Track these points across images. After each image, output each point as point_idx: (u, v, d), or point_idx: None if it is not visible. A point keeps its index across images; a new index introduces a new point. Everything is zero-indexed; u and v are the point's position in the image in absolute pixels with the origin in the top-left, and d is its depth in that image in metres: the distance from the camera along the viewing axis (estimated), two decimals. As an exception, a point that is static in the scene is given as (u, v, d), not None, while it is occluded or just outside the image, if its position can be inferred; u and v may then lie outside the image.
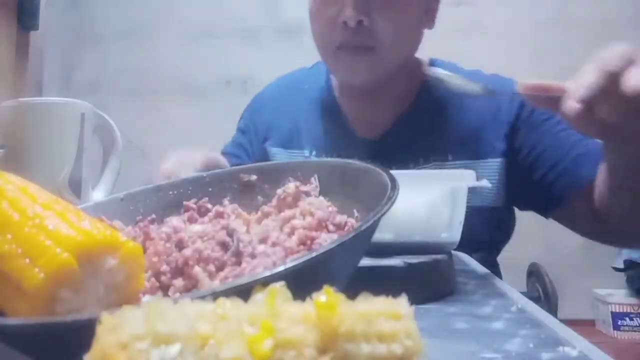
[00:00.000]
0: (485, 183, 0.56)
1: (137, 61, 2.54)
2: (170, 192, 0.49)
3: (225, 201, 0.48)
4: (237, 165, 0.96)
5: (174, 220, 0.44)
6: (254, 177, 0.49)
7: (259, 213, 0.45)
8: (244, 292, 0.21)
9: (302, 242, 0.38)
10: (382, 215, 0.34)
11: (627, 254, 2.03)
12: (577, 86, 0.52)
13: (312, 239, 0.38)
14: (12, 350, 0.29)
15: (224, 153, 1.00)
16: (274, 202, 0.45)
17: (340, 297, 0.19)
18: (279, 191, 0.45)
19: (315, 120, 0.97)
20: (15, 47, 1.91)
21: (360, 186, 0.43)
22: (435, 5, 0.91)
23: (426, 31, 0.92)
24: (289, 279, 0.22)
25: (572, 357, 0.34)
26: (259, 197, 0.49)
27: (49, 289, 0.29)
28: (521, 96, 0.84)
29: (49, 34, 2.18)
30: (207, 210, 0.46)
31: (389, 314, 0.19)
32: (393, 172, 0.45)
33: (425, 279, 0.49)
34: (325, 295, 0.19)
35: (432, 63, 0.96)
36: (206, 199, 0.48)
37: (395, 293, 0.20)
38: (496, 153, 0.87)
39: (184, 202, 0.48)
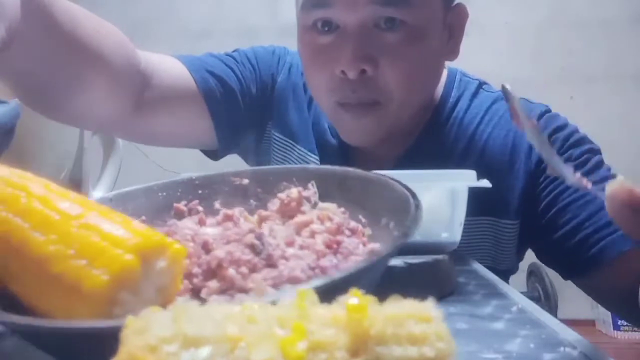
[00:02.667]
0: (485, 183, 0.55)
1: (137, 61, 2.54)
2: (160, 194, 0.49)
3: (217, 204, 0.48)
4: (220, 73, 0.79)
5: (188, 222, 0.44)
6: (245, 181, 0.49)
7: (256, 217, 0.45)
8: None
9: (328, 246, 0.39)
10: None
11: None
12: None
13: (338, 243, 0.39)
14: (33, 350, 0.29)
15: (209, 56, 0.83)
16: (276, 206, 0.45)
17: (370, 300, 0.19)
18: (282, 196, 0.45)
19: (322, 137, 0.80)
20: (15, 47, 1.90)
21: (364, 193, 0.44)
22: (458, 32, 0.73)
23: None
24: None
25: (573, 357, 0.34)
26: (251, 201, 0.49)
27: (111, 291, 0.28)
28: (548, 133, 0.69)
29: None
30: (198, 213, 0.46)
31: (419, 316, 0.19)
32: (394, 171, 0.45)
33: (425, 279, 0.49)
34: (356, 298, 0.19)
35: (451, 78, 0.80)
36: (196, 201, 0.48)
37: (395, 293, 0.20)
38: (510, 215, 0.73)
39: (174, 204, 0.48)
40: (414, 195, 0.38)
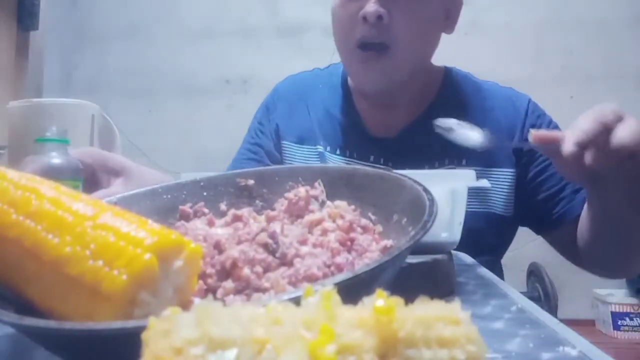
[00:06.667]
0: (485, 183, 0.56)
1: (137, 61, 2.54)
2: (165, 196, 0.48)
3: (222, 205, 0.48)
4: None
5: (197, 223, 0.44)
6: (251, 182, 0.49)
7: (263, 217, 0.45)
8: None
9: (342, 243, 0.39)
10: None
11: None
12: (575, 131, 0.59)
13: (352, 240, 0.39)
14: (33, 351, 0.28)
15: (236, 164, 1.00)
16: (284, 206, 0.45)
17: (398, 301, 0.18)
18: (290, 195, 0.45)
19: (329, 118, 0.98)
20: (15, 47, 1.91)
21: (373, 190, 0.44)
22: (456, 11, 0.93)
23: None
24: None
25: (572, 357, 0.34)
26: (257, 202, 0.49)
27: (132, 291, 0.27)
28: (533, 119, 0.92)
29: (49, 34, 2.18)
30: (203, 214, 0.46)
31: (448, 318, 0.18)
32: (395, 172, 0.45)
33: (425, 279, 0.49)
34: (382, 300, 0.18)
35: (448, 71, 0.98)
36: (202, 203, 0.48)
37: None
38: (509, 163, 0.90)
39: (180, 207, 0.47)
40: (426, 189, 0.38)
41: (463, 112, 0.91)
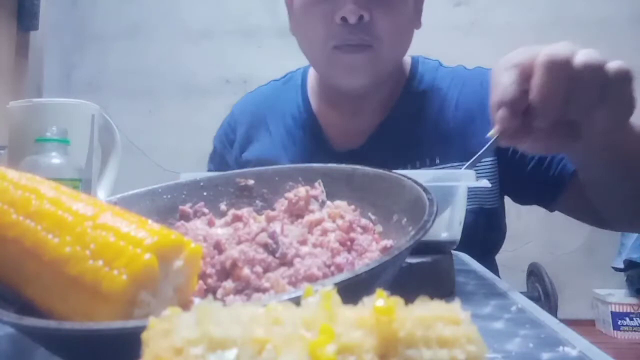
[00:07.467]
0: (485, 183, 0.56)
1: (137, 61, 2.54)
2: (165, 196, 0.48)
3: (222, 205, 0.48)
4: None
5: (197, 223, 0.44)
6: (251, 182, 0.49)
7: (263, 217, 0.45)
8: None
9: (342, 243, 0.39)
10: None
11: (627, 254, 2.03)
12: (495, 93, 0.51)
13: (352, 240, 0.39)
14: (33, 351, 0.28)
15: None
16: (284, 206, 0.45)
17: (397, 301, 0.18)
18: (290, 195, 0.45)
19: (291, 136, 0.93)
20: (15, 47, 1.91)
21: (373, 190, 0.44)
22: (421, 4, 0.90)
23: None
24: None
25: (572, 357, 0.34)
26: (257, 202, 0.49)
27: (131, 290, 0.27)
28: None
29: (49, 34, 2.18)
30: (203, 215, 0.46)
31: (448, 318, 0.18)
32: (395, 172, 0.45)
33: (425, 279, 0.49)
34: (382, 299, 0.18)
35: (415, 60, 0.95)
36: (202, 203, 0.48)
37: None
38: (488, 152, 0.86)
39: (180, 207, 0.47)
40: (426, 189, 0.38)
41: (426, 107, 0.88)
